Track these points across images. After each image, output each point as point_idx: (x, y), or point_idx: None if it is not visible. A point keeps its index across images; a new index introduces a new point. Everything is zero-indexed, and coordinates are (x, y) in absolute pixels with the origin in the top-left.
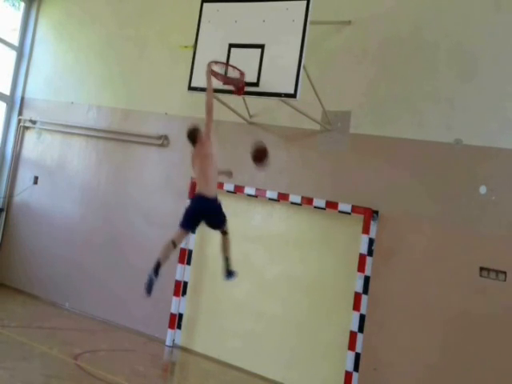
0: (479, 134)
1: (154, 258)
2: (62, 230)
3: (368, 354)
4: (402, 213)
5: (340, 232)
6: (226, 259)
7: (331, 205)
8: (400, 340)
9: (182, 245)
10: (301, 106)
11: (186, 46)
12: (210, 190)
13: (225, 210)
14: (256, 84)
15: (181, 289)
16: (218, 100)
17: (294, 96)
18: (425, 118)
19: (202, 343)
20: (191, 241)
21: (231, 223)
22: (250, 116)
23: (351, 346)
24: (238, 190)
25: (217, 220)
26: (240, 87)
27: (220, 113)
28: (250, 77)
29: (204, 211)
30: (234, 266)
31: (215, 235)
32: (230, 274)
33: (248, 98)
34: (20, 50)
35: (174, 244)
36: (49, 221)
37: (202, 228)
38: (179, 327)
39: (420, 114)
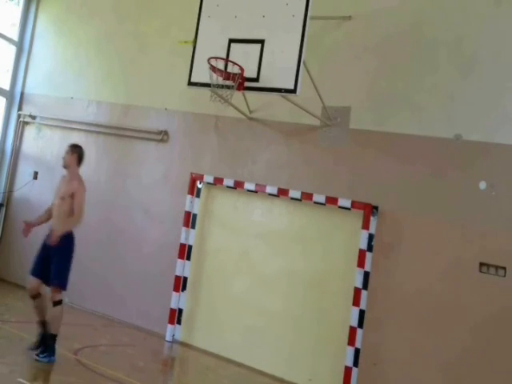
0: (479, 130)
1: (153, 254)
2: None
3: (368, 350)
4: (401, 208)
5: (340, 227)
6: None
7: (331, 200)
8: (400, 335)
9: (183, 240)
10: (301, 102)
11: (185, 41)
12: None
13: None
14: (256, 79)
15: (181, 284)
16: (219, 95)
17: (294, 91)
18: (425, 113)
19: (202, 338)
20: (191, 236)
21: (231, 218)
22: (250, 111)
23: (351, 341)
24: (238, 185)
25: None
26: (239, 83)
27: (220, 108)
28: (250, 72)
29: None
30: (233, 262)
31: (214, 230)
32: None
33: (248, 94)
34: (20, 45)
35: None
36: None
37: (202, 224)
38: (179, 322)
39: (420, 109)
